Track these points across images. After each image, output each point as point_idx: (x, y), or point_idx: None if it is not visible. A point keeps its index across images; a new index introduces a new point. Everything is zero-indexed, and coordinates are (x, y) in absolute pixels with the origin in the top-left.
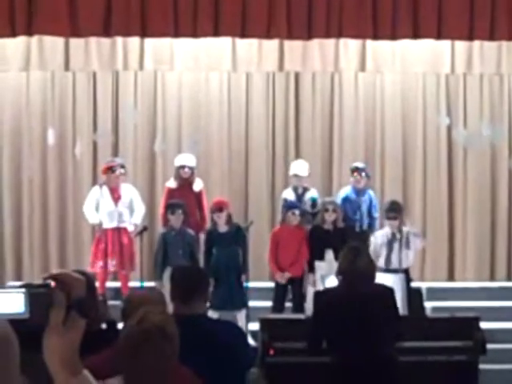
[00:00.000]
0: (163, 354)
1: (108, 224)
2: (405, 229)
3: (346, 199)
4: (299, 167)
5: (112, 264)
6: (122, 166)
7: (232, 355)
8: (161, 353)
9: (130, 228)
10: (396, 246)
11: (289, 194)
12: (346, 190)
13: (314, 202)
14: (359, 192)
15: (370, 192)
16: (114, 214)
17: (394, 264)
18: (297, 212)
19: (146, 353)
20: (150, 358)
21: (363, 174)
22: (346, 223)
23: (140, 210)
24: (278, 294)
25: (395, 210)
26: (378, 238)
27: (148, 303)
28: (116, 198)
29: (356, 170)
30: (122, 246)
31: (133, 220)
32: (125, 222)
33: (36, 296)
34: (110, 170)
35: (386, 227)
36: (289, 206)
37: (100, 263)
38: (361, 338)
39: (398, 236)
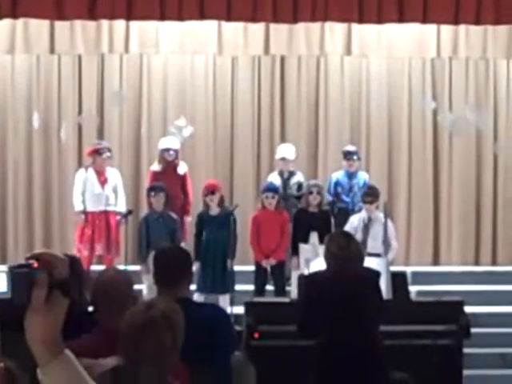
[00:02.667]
0: (165, 344)
1: (94, 207)
2: (380, 214)
3: (337, 183)
4: (286, 151)
5: (99, 247)
6: (109, 150)
7: (216, 338)
8: (163, 342)
9: (119, 209)
10: (373, 230)
11: (274, 178)
12: (337, 174)
13: (299, 186)
14: (351, 175)
15: (364, 175)
16: (100, 198)
17: (370, 248)
18: (270, 195)
19: (150, 340)
20: (152, 346)
21: (355, 157)
22: (339, 205)
23: (123, 197)
24: (259, 278)
25: (372, 195)
26: (355, 222)
27: (116, 289)
28: (102, 181)
29: (348, 153)
30: (108, 229)
31: (117, 208)
32: (111, 205)
33: (18, 276)
34: (96, 152)
35: (362, 211)
36: (262, 189)
37: (86, 247)
38: (348, 321)
39: (373, 220)
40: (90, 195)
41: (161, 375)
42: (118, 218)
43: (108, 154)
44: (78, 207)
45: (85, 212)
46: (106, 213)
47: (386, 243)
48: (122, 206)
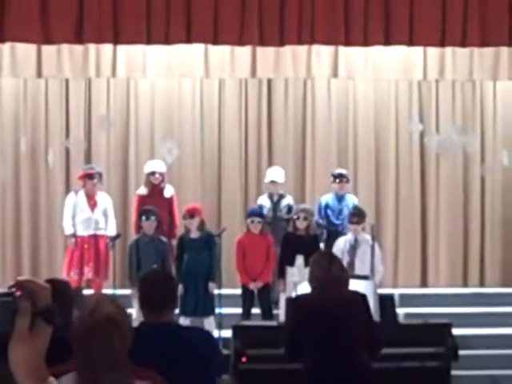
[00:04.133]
0: (113, 345)
1: (84, 231)
2: (367, 236)
3: (327, 206)
4: (275, 174)
5: (87, 271)
6: (100, 175)
7: (202, 362)
8: (111, 344)
9: (110, 233)
10: (360, 251)
11: (264, 201)
12: (327, 197)
13: (289, 208)
14: (340, 198)
15: (352, 198)
16: (90, 221)
17: (357, 270)
18: (256, 220)
19: (97, 344)
20: (101, 349)
21: (345, 179)
22: (329, 229)
23: (113, 221)
24: (246, 301)
25: (358, 215)
26: (341, 244)
27: None
28: (92, 205)
29: (340, 175)
30: (98, 253)
31: (108, 232)
32: (101, 229)
33: (1, 304)
34: (87, 176)
35: (349, 233)
36: (248, 213)
37: (75, 270)
38: (334, 344)
39: (360, 242)
40: (80, 219)
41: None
42: (108, 241)
43: (98, 178)
44: (68, 231)
45: (75, 235)
46: (95, 236)
47: (373, 266)
48: (112, 230)
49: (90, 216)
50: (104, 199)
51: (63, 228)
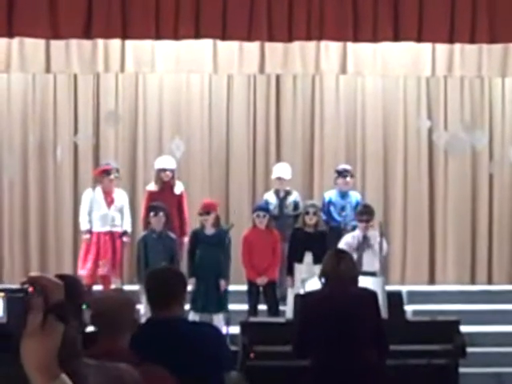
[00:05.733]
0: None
1: (101, 228)
2: (375, 233)
3: (330, 202)
4: (282, 170)
5: (103, 268)
6: (117, 171)
7: (210, 357)
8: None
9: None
10: (368, 248)
11: (271, 197)
12: (330, 193)
13: (296, 205)
14: (344, 194)
15: (356, 194)
16: (107, 218)
17: (365, 267)
18: (261, 214)
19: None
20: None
21: (349, 175)
22: (331, 225)
23: (128, 218)
24: (252, 296)
25: (367, 213)
26: (349, 241)
27: (118, 312)
28: (109, 202)
29: (345, 171)
30: (114, 250)
31: (124, 227)
32: (117, 226)
33: (14, 300)
34: (104, 172)
35: (356, 229)
36: (254, 208)
37: (89, 265)
38: (341, 342)
39: (368, 239)
40: (97, 215)
41: None
42: (126, 239)
43: (116, 174)
44: (84, 226)
45: (90, 231)
46: (111, 233)
47: (382, 263)
48: (127, 227)
49: (106, 212)
50: (121, 196)
51: (79, 223)
